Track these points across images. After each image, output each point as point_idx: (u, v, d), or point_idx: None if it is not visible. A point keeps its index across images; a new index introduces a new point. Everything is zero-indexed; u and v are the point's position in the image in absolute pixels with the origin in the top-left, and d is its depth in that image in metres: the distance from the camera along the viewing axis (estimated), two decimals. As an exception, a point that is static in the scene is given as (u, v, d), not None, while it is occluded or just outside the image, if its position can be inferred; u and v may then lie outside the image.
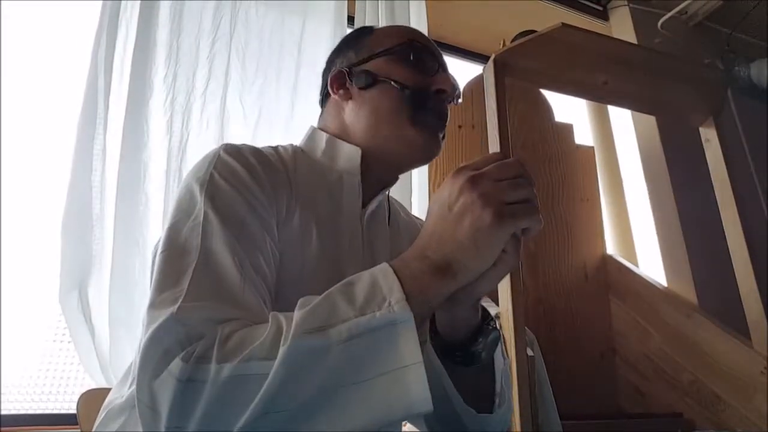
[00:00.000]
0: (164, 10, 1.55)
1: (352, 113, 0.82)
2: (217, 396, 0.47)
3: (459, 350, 0.64)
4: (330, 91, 0.85)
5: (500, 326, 0.68)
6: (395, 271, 0.52)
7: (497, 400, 0.68)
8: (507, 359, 0.73)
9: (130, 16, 1.49)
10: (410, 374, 0.46)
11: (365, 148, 0.80)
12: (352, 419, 0.46)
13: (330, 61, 0.90)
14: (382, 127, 0.79)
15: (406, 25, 1.80)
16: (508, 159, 0.53)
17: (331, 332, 0.48)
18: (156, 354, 0.50)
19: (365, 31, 0.89)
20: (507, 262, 0.54)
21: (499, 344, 0.67)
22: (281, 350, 0.47)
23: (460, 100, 0.87)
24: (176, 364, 0.48)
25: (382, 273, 0.52)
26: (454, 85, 0.82)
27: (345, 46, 0.89)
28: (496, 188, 0.50)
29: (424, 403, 0.45)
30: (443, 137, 0.83)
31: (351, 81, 0.82)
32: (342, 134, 0.83)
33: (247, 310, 0.55)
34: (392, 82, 0.78)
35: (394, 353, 0.47)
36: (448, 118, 0.84)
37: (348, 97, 0.83)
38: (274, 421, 0.46)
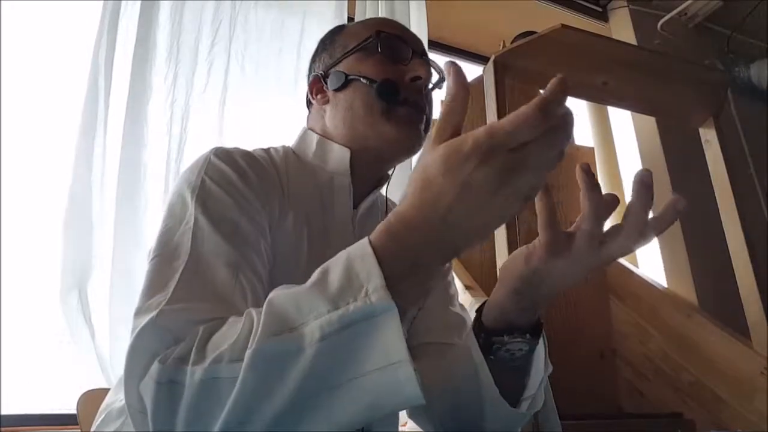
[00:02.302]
0: (164, 11, 1.55)
1: (331, 117, 0.82)
2: (193, 399, 0.45)
3: (485, 333, 0.63)
4: (310, 97, 0.86)
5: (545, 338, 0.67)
6: (375, 251, 0.44)
7: (527, 403, 0.67)
8: (550, 367, 0.70)
9: (130, 16, 1.50)
10: (397, 373, 0.41)
11: (351, 149, 0.80)
12: (335, 424, 0.43)
13: (310, 66, 0.90)
14: (359, 126, 0.78)
15: (406, 25, 1.79)
16: (553, 127, 0.40)
17: (302, 331, 0.43)
18: (139, 359, 0.50)
19: (336, 31, 0.89)
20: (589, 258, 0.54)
21: (544, 356, 0.66)
22: (247, 354, 0.43)
23: (441, 86, 0.85)
24: (155, 367, 0.48)
25: (360, 255, 0.45)
26: (429, 70, 0.80)
27: (321, 48, 0.89)
28: (534, 181, 0.42)
29: (416, 399, 0.42)
30: (427, 126, 0.80)
31: (326, 84, 0.82)
32: (326, 136, 0.83)
33: (237, 311, 0.54)
34: (362, 79, 0.77)
35: (375, 351, 0.42)
36: (431, 108, 0.82)
37: (326, 101, 0.83)
38: (252, 426, 0.43)
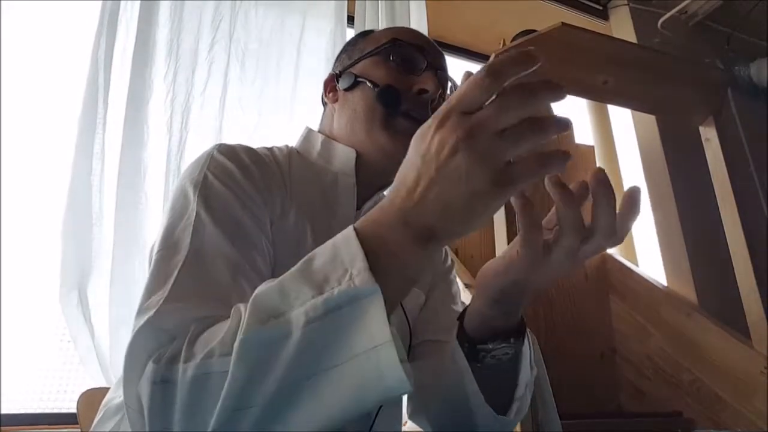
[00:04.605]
0: (164, 10, 1.55)
1: (337, 117, 0.83)
2: (186, 396, 0.46)
3: (469, 343, 0.62)
4: (324, 95, 0.87)
5: (531, 340, 0.65)
6: (359, 236, 0.44)
7: (515, 406, 0.66)
8: (534, 369, 0.69)
9: (129, 16, 1.50)
10: (380, 355, 0.40)
11: (357, 150, 0.79)
12: (324, 410, 0.43)
13: (333, 66, 0.91)
14: (358, 130, 0.78)
15: (406, 25, 1.79)
16: (511, 86, 0.40)
17: (288, 318, 0.43)
18: (137, 359, 0.50)
19: (362, 35, 0.90)
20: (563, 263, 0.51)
21: (529, 355, 0.65)
22: (235, 345, 0.43)
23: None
24: (149, 367, 0.48)
25: (345, 240, 0.45)
26: (438, 85, 0.78)
27: (344, 49, 0.90)
28: (496, 146, 0.40)
29: (401, 384, 0.41)
30: None
31: (338, 84, 0.83)
32: (332, 137, 0.83)
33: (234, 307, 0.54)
34: (368, 83, 0.78)
35: (360, 334, 0.41)
36: None
37: (335, 99, 0.84)
38: (246, 417, 0.43)
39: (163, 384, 0.47)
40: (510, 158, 0.41)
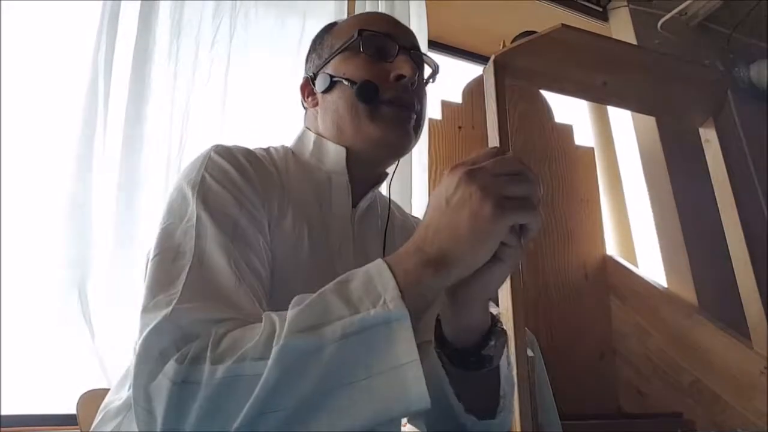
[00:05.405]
0: (164, 10, 1.55)
1: (321, 119, 0.82)
2: (211, 397, 0.47)
3: (473, 355, 0.62)
4: (302, 100, 0.86)
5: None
6: (390, 267, 0.51)
7: (501, 404, 0.67)
8: (511, 364, 0.71)
9: (129, 16, 1.49)
10: (407, 373, 0.45)
11: (347, 148, 0.79)
12: (350, 419, 0.46)
13: (305, 68, 0.90)
14: (345, 128, 0.78)
15: (406, 25, 1.79)
16: (507, 155, 0.51)
17: (324, 331, 0.47)
18: (151, 356, 0.50)
19: (326, 30, 0.88)
20: (512, 256, 0.53)
21: (505, 349, 0.66)
22: (274, 350, 0.46)
23: (435, 78, 0.84)
24: (171, 366, 0.48)
25: (377, 269, 0.51)
26: (416, 66, 0.78)
27: (312, 49, 0.89)
28: (494, 181, 0.49)
29: (422, 400, 0.45)
30: (417, 124, 0.79)
31: (314, 86, 0.82)
32: (322, 136, 0.83)
33: (242, 310, 0.55)
34: (345, 81, 0.77)
35: (390, 352, 0.46)
36: (422, 104, 0.81)
37: (315, 103, 0.83)
38: (271, 420, 0.46)
39: (184, 384, 0.47)
40: (508, 194, 0.49)
